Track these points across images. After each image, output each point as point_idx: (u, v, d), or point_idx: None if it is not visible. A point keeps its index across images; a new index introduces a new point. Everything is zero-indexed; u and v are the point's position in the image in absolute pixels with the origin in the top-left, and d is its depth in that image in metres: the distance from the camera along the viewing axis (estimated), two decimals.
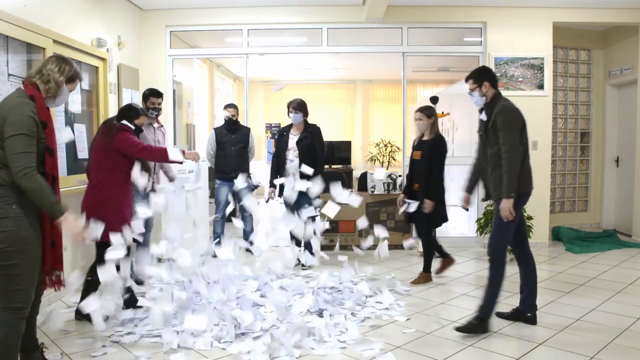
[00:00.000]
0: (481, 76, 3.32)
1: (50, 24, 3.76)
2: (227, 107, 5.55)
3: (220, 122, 9.29)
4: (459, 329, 3.21)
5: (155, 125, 4.54)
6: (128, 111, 3.65)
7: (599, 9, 5.78)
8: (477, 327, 3.20)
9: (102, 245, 3.21)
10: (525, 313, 3.38)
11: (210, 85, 8.90)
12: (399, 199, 4.58)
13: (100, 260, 3.34)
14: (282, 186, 4.93)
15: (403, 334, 3.24)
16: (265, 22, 5.87)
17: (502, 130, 3.16)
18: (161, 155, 3.69)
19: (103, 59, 4.65)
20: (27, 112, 2.30)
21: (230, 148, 5.36)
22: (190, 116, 7.44)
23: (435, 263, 4.53)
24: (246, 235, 5.57)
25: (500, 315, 3.47)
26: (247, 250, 5.52)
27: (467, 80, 3.40)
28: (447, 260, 4.58)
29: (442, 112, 5.56)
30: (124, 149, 3.42)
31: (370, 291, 4.05)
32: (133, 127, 3.60)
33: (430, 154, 4.27)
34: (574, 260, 5.27)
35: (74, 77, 2.60)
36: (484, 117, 3.34)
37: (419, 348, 3.02)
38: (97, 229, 2.63)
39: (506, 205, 3.10)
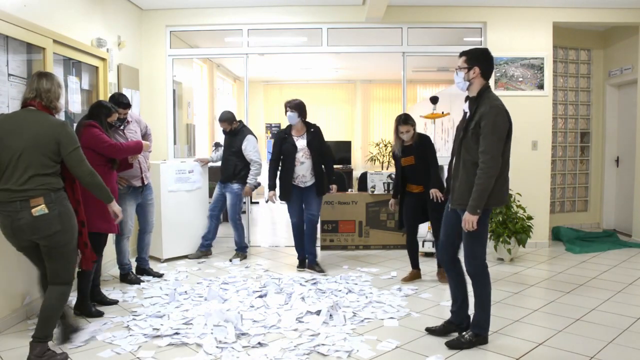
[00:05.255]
0: (475, 58, 2.90)
1: (50, 24, 3.76)
2: (219, 120, 5.31)
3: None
4: (449, 345, 3.00)
5: (122, 126, 4.19)
6: (99, 109, 3.68)
7: (599, 9, 5.78)
8: (470, 343, 2.97)
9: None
10: (458, 324, 3.16)
11: (210, 85, 8.90)
12: (391, 203, 4.65)
13: None
14: (282, 188, 4.91)
15: (403, 334, 3.24)
16: (265, 22, 5.86)
17: (486, 136, 2.75)
18: (134, 149, 3.83)
19: (103, 59, 4.65)
20: (71, 129, 2.87)
21: (225, 151, 5.31)
22: (190, 116, 7.44)
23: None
24: (235, 244, 5.34)
25: (430, 330, 3.23)
26: (239, 257, 5.28)
27: (461, 55, 2.99)
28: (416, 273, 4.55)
29: (442, 112, 5.55)
30: (91, 145, 3.47)
31: (371, 291, 4.06)
32: (107, 122, 3.69)
33: (425, 153, 4.33)
34: (574, 260, 5.27)
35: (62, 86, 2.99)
36: (466, 108, 2.94)
37: (419, 348, 3.02)
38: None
39: (470, 219, 2.81)
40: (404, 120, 4.31)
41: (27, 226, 2.69)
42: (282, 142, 4.87)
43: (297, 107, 4.79)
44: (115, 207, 3.13)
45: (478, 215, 2.80)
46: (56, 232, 2.73)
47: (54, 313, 2.81)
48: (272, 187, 4.91)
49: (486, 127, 2.74)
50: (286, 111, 4.82)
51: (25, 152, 2.69)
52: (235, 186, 5.21)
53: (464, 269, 3.08)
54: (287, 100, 4.87)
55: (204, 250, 5.36)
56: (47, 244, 2.75)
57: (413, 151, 4.34)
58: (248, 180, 5.18)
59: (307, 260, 4.91)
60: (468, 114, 2.91)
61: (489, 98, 2.83)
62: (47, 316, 2.78)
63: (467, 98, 2.99)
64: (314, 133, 4.84)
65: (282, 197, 4.88)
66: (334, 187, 4.98)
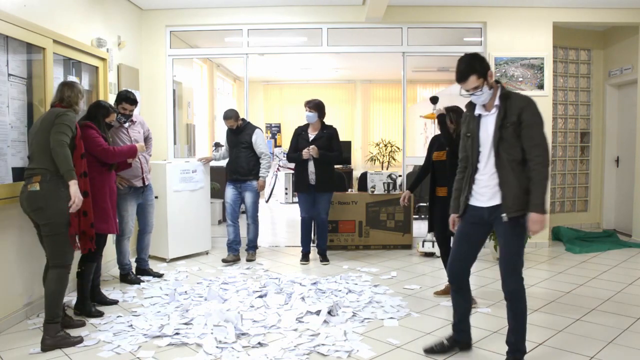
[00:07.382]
0: (482, 66, 2.65)
1: (50, 24, 3.76)
2: (224, 118, 5.25)
3: (220, 122, 9.36)
4: None
5: (127, 124, 4.25)
6: (97, 109, 3.68)
7: (599, 9, 5.78)
8: None
9: None
10: (464, 342, 2.99)
11: (210, 85, 8.90)
12: (404, 196, 4.19)
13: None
14: (296, 182, 5.13)
15: (403, 334, 3.24)
16: (265, 22, 5.87)
17: (535, 127, 2.54)
18: (127, 154, 3.82)
19: (103, 59, 4.65)
20: (72, 117, 3.14)
21: (233, 149, 5.23)
22: (190, 116, 7.45)
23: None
24: (248, 242, 5.32)
25: (430, 350, 2.96)
26: (249, 259, 5.27)
27: (466, 78, 2.64)
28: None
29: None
30: (86, 147, 3.38)
31: (371, 291, 4.07)
32: (105, 123, 3.70)
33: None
34: (574, 260, 5.28)
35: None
36: (481, 111, 2.71)
37: (419, 348, 3.01)
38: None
39: (539, 219, 2.50)
40: (447, 108, 3.89)
41: (24, 199, 3.05)
42: (298, 138, 5.09)
43: (317, 107, 5.00)
44: (73, 187, 2.97)
45: (546, 213, 2.54)
46: (38, 208, 3.00)
47: (55, 295, 3.03)
48: (293, 160, 5.12)
49: (532, 118, 2.55)
50: (306, 111, 5.00)
51: (36, 135, 3.09)
52: (255, 183, 5.19)
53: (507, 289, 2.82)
54: (307, 100, 5.06)
55: (237, 254, 5.26)
56: (36, 221, 3.08)
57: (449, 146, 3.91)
58: (261, 174, 5.18)
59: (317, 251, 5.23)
60: (497, 112, 2.64)
61: (512, 92, 2.69)
62: (48, 298, 3.02)
63: (469, 104, 2.81)
64: (324, 134, 5.02)
65: (295, 189, 5.21)
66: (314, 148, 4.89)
